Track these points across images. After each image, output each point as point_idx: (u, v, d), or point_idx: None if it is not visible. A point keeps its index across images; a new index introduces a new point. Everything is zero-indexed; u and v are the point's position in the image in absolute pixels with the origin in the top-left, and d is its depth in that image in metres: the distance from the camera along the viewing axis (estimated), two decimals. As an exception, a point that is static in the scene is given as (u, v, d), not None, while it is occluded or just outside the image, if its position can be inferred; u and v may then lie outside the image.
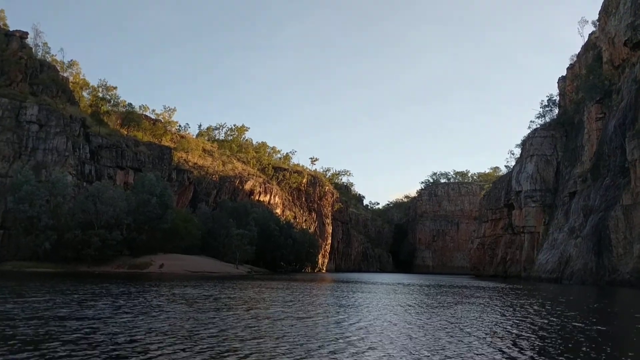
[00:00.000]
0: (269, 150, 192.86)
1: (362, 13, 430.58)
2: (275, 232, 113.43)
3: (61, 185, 74.34)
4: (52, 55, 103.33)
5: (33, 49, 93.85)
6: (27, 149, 78.89)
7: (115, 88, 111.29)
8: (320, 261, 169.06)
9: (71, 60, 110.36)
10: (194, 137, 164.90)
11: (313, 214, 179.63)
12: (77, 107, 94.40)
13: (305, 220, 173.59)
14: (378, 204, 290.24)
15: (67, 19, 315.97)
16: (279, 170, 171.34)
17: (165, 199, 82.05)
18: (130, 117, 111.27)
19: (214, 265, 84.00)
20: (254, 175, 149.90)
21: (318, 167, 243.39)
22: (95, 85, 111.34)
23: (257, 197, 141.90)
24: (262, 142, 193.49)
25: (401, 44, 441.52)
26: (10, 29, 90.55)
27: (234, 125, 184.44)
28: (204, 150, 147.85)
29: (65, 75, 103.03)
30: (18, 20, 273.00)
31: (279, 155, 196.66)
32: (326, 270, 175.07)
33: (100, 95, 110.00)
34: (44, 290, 33.06)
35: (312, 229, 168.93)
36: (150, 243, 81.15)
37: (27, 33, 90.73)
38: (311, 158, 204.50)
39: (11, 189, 71.10)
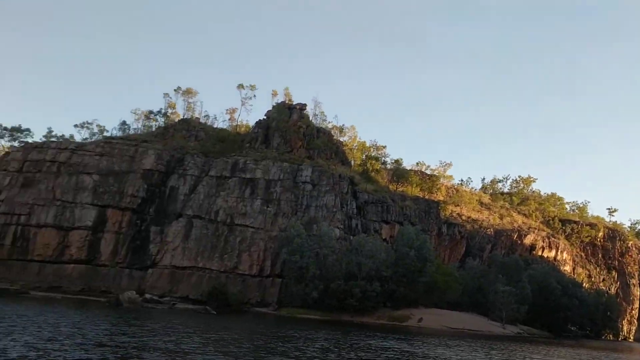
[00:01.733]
0: (558, 202, 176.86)
1: None
2: (556, 291, 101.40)
3: (327, 238, 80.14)
4: (329, 122, 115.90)
5: (311, 118, 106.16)
6: (302, 206, 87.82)
7: (384, 147, 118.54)
8: (625, 328, 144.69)
9: (343, 125, 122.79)
10: (476, 190, 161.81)
11: (613, 272, 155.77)
12: (347, 167, 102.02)
13: (604, 279, 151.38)
14: None
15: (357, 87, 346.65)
16: (567, 223, 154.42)
17: (424, 252, 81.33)
18: (398, 173, 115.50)
19: (476, 323, 78.93)
20: (535, 228, 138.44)
21: (623, 218, 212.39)
22: (368, 145, 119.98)
23: (539, 253, 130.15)
24: (550, 193, 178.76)
25: None
26: (294, 103, 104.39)
27: (519, 176, 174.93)
28: (480, 203, 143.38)
29: (340, 138, 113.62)
30: (303, 95, 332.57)
31: (572, 207, 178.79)
32: (634, 340, 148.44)
33: (372, 154, 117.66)
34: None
35: (612, 290, 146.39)
36: (410, 296, 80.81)
37: (305, 105, 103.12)
38: (609, 209, 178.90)
39: (286, 242, 79.70)
